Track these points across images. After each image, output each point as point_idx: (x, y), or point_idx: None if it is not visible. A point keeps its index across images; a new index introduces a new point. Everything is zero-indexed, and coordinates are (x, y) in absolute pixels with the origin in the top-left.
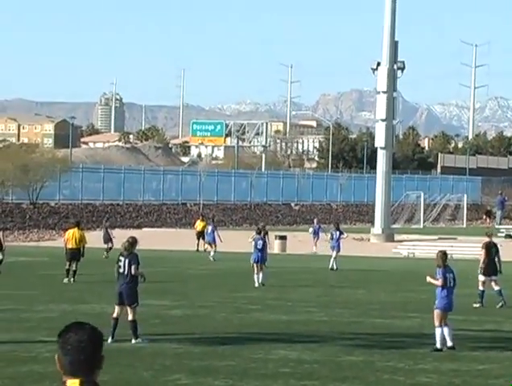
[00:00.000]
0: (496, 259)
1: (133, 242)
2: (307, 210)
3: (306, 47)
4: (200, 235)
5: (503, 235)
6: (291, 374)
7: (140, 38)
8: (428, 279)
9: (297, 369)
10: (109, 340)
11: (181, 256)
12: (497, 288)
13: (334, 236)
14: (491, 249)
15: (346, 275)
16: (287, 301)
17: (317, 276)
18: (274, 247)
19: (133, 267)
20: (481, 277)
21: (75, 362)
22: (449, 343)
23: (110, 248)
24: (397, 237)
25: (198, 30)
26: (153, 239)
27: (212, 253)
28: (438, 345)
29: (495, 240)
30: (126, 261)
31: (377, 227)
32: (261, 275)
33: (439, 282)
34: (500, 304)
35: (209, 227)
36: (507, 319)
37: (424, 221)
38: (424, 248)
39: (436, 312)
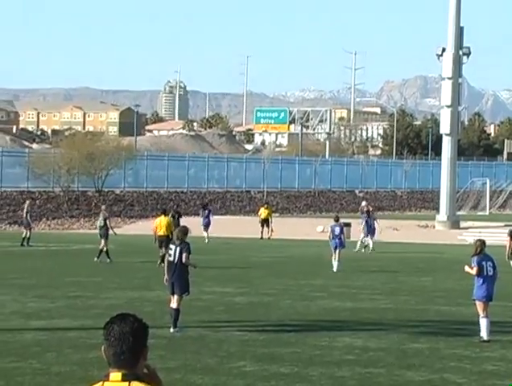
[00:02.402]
0: None
1: (185, 231)
2: (372, 197)
3: (370, 33)
4: (265, 222)
5: None
6: (356, 361)
7: (204, 25)
8: (466, 268)
9: (362, 356)
10: (172, 330)
11: (245, 244)
12: None
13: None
14: None
15: (411, 262)
16: (352, 289)
17: (382, 263)
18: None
19: (184, 255)
20: None
21: (118, 353)
22: (484, 337)
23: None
24: (462, 224)
25: (262, 17)
26: (217, 226)
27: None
28: (484, 336)
29: None
30: (178, 250)
31: (443, 214)
32: (337, 262)
33: (474, 271)
34: None
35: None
36: None
37: (490, 208)
38: (490, 234)
39: (476, 302)
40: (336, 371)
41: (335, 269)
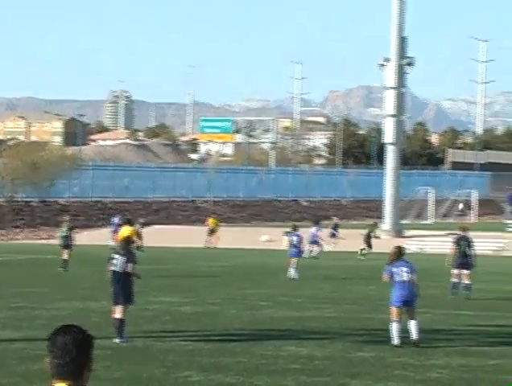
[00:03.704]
0: (469, 252)
1: (128, 241)
2: (317, 206)
3: (314, 43)
4: (212, 232)
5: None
6: (302, 370)
7: (149, 35)
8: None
9: (308, 365)
10: (117, 340)
11: (191, 253)
12: (467, 282)
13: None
14: (460, 243)
15: (356, 271)
16: (298, 298)
17: (328, 272)
18: (284, 243)
19: (129, 265)
20: (454, 270)
21: (61, 365)
22: (414, 337)
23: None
24: (406, 233)
25: (207, 26)
26: (163, 236)
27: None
28: (394, 341)
29: (504, 235)
30: (122, 260)
31: (387, 223)
32: (293, 269)
33: (384, 279)
34: (466, 297)
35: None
36: None
37: (434, 217)
38: (434, 243)
39: (391, 308)
40: (281, 380)
41: (292, 277)
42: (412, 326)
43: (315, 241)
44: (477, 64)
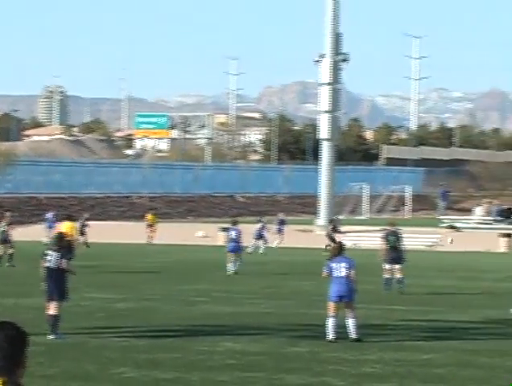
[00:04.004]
0: (399, 247)
1: (61, 237)
2: (252, 202)
3: (250, 39)
4: (151, 227)
5: (445, 225)
6: (237, 366)
7: (83, 30)
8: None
9: (242, 361)
10: (51, 336)
11: (127, 249)
12: (399, 276)
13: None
14: (388, 238)
15: (291, 266)
16: (234, 293)
17: (264, 267)
18: (219, 239)
19: (63, 261)
20: (386, 266)
21: None
22: (353, 335)
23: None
24: (341, 228)
25: (141, 21)
26: (98, 232)
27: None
28: (329, 336)
29: (438, 230)
30: (56, 256)
31: (322, 219)
32: (237, 263)
33: (323, 274)
34: (399, 291)
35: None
36: (451, 309)
37: (368, 212)
38: (368, 239)
39: (328, 303)
40: (217, 375)
41: (231, 272)
42: (350, 324)
43: (260, 236)
44: (411, 61)
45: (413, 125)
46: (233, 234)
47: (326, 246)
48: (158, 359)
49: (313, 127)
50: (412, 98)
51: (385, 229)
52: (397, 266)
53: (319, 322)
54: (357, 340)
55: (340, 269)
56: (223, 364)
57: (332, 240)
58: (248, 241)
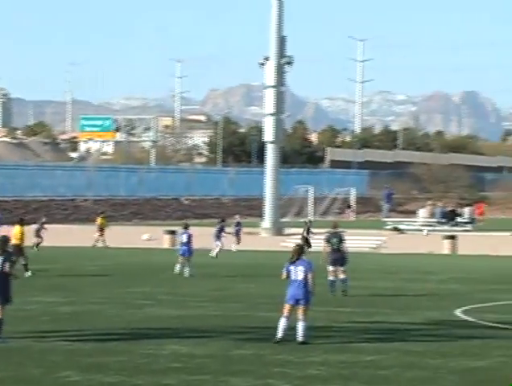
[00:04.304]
0: (342, 249)
1: (5, 240)
2: (197, 204)
3: (194, 41)
4: (101, 231)
5: (390, 227)
6: (182, 369)
7: (27, 32)
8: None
9: (188, 364)
10: None
11: (71, 252)
12: (342, 276)
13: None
14: (331, 240)
15: (237, 269)
16: (179, 296)
17: (210, 270)
18: (165, 242)
19: (6, 265)
20: (330, 267)
21: None
22: (299, 338)
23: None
24: (286, 231)
25: (87, 23)
26: (42, 235)
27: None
28: (278, 335)
29: (382, 232)
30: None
31: (267, 221)
32: (187, 268)
33: (282, 276)
34: (342, 293)
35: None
36: (395, 311)
37: (313, 214)
38: (313, 241)
39: (284, 304)
40: (162, 379)
41: (186, 275)
42: (300, 327)
43: (218, 238)
44: (355, 63)
45: (357, 128)
46: (184, 237)
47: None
48: (103, 363)
49: (258, 129)
50: (356, 101)
51: (328, 232)
52: (340, 268)
53: (264, 325)
54: (303, 343)
55: (297, 272)
56: (168, 367)
57: (306, 242)
58: (201, 244)
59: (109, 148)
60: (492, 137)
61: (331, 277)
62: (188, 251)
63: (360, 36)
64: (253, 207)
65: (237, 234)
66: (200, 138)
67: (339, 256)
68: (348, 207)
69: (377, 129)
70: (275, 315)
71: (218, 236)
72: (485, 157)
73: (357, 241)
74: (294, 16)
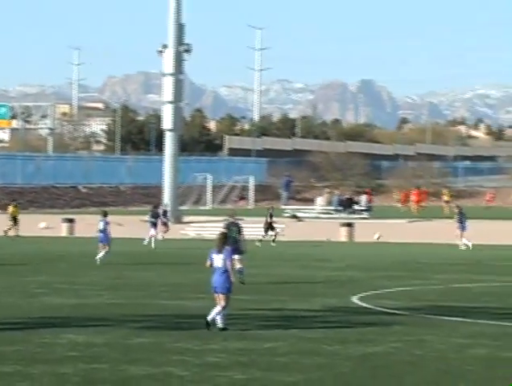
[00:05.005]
0: (238, 238)
1: None
2: (96, 193)
3: (92, 29)
4: (15, 220)
5: (288, 215)
6: (80, 357)
7: None
8: None
9: (86, 352)
10: None
11: None
12: (238, 266)
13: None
14: (230, 229)
15: (135, 257)
16: (76, 285)
17: (109, 259)
18: (62, 230)
19: None
20: None
21: None
22: (219, 325)
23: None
24: (185, 219)
25: None
26: None
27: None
28: (219, 324)
29: (280, 220)
30: None
31: None
32: (100, 254)
33: (206, 264)
34: (240, 281)
35: None
36: (293, 298)
37: (212, 202)
38: (211, 229)
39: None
40: (59, 368)
41: (98, 261)
42: (218, 313)
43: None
44: (254, 52)
45: (256, 116)
46: (100, 225)
47: (273, 237)
48: (0, 353)
49: (157, 118)
50: (255, 89)
51: (226, 220)
52: (236, 257)
53: (163, 313)
54: (223, 329)
55: (218, 260)
56: (65, 356)
57: (271, 227)
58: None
59: (5, 135)
60: (388, 126)
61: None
62: (104, 238)
63: (258, 24)
64: (151, 195)
65: (165, 222)
66: (98, 126)
67: (236, 246)
68: (242, 198)
69: (276, 118)
70: (175, 303)
71: (153, 223)
72: (382, 145)
73: (255, 229)
74: (192, 4)
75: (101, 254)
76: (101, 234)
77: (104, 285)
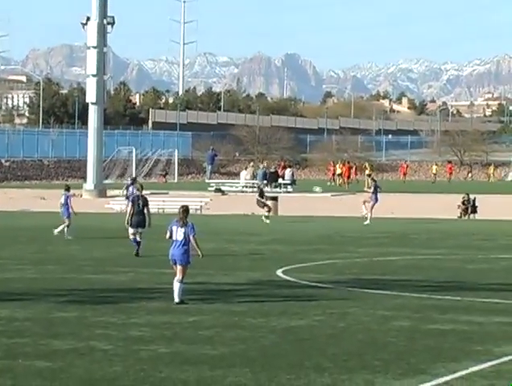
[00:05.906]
0: (145, 211)
1: None
2: (18, 166)
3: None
4: None
5: (213, 189)
6: (2, 332)
7: None
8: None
9: (8, 327)
10: None
11: None
12: (138, 239)
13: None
14: (137, 202)
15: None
16: None
17: (33, 233)
18: None
19: None
20: (130, 230)
21: None
22: (176, 299)
23: None
24: (109, 193)
25: None
26: None
27: None
28: (175, 299)
29: (205, 194)
30: None
31: (90, 183)
32: (57, 228)
33: (166, 236)
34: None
35: None
36: (218, 271)
37: (137, 176)
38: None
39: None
40: None
41: (55, 233)
42: (175, 287)
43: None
44: (178, 25)
45: (180, 90)
46: (62, 199)
47: (266, 215)
48: None
49: (81, 91)
50: (179, 62)
51: (134, 194)
52: (140, 230)
53: (87, 287)
54: (180, 303)
55: (178, 233)
56: None
57: (263, 204)
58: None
59: None
60: (312, 100)
61: (131, 237)
62: (65, 212)
63: None
64: (75, 169)
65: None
66: (20, 99)
67: (142, 219)
68: (166, 174)
69: (200, 91)
70: (98, 277)
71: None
72: (306, 119)
73: (180, 202)
74: None
75: (60, 228)
76: (63, 208)
77: (26, 259)
